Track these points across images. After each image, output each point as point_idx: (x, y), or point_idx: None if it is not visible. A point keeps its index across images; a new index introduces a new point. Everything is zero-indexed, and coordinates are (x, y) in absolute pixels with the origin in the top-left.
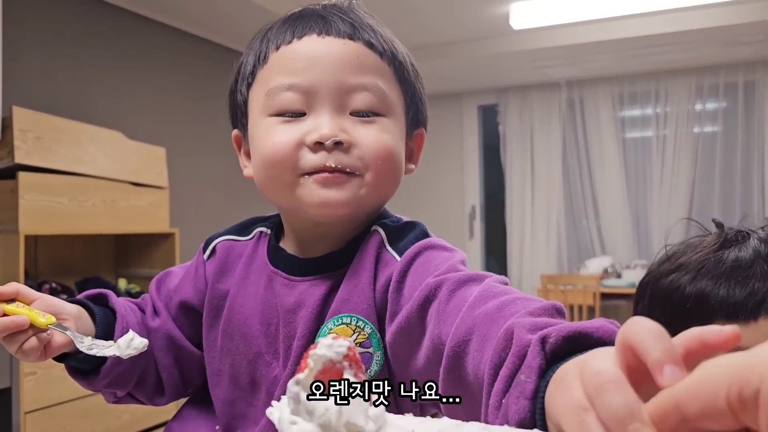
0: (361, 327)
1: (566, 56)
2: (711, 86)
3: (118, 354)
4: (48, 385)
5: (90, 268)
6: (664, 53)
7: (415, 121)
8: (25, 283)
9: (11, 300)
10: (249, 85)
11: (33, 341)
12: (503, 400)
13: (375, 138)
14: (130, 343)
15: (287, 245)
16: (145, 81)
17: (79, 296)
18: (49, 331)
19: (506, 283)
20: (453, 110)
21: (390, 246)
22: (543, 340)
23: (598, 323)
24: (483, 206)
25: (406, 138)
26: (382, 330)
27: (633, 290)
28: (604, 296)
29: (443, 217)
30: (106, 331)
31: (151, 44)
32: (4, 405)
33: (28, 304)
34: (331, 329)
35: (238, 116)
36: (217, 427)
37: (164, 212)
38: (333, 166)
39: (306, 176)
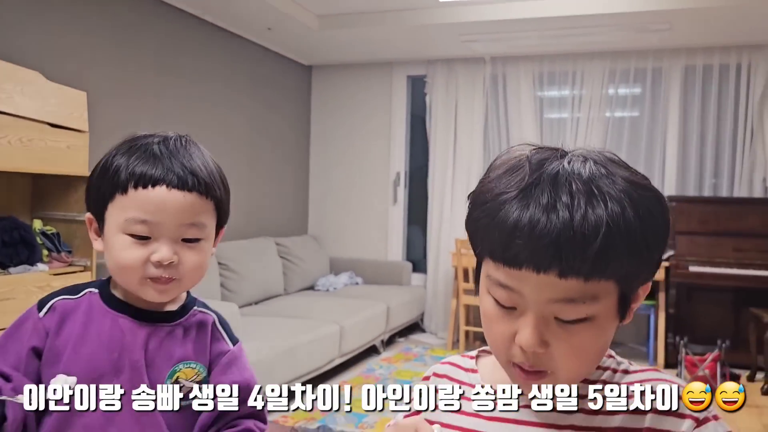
0: (201, 371)
1: (490, 32)
2: (623, 71)
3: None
4: None
5: (5, 206)
6: (582, 35)
7: (222, 223)
8: None
9: None
10: (110, 198)
11: None
12: None
13: (194, 259)
14: (67, 380)
15: (127, 298)
16: (68, 23)
17: None
18: None
19: None
20: (383, 79)
21: (221, 328)
22: None
23: None
24: (408, 174)
25: (214, 238)
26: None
27: None
28: None
29: (369, 182)
30: None
31: None
32: None
33: None
34: (181, 368)
35: (95, 208)
36: None
37: (83, 156)
38: (167, 277)
39: (148, 280)
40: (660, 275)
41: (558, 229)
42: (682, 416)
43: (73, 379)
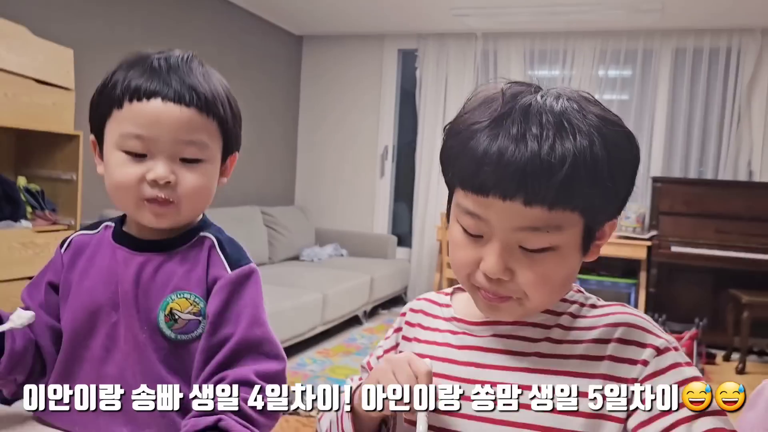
0: (197, 302)
1: (483, 6)
2: (614, 51)
3: (11, 327)
4: None
5: None
6: (574, 13)
7: (230, 148)
8: None
9: None
10: (107, 114)
11: None
12: None
13: (193, 181)
14: (20, 315)
15: (130, 229)
16: None
17: None
18: None
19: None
20: (374, 52)
21: (221, 251)
22: None
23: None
24: (396, 148)
25: (221, 164)
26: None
27: None
28: None
29: (357, 155)
30: None
31: None
32: None
33: None
34: (174, 299)
35: (95, 128)
36: None
37: (69, 113)
38: (163, 197)
39: (145, 202)
40: (642, 254)
41: (525, 158)
42: (644, 345)
43: (30, 313)
